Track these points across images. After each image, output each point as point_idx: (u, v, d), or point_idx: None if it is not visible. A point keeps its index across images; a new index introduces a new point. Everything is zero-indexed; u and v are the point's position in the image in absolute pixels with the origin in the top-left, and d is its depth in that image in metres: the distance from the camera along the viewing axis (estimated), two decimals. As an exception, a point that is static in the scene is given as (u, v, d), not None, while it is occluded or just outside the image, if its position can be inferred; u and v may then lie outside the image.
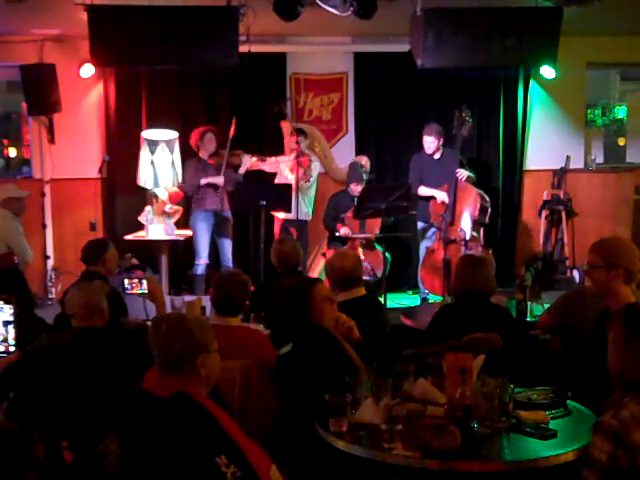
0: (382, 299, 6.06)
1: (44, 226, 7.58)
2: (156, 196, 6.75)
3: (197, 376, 2.51)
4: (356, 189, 6.93)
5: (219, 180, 6.79)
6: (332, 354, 3.27)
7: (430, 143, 6.92)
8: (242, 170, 7.08)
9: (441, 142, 6.95)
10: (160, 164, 6.66)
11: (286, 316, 3.53)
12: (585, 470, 2.18)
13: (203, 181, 6.81)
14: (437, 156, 6.98)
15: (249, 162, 7.12)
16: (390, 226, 7.00)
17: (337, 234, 7.00)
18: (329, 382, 2.95)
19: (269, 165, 7.19)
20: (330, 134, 7.76)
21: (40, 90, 7.06)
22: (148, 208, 6.78)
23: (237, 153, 7.05)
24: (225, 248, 7.03)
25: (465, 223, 6.73)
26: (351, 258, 4.21)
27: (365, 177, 7.04)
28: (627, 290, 3.28)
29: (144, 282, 4.35)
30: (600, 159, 8.60)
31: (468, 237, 6.61)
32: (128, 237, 6.88)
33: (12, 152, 9.16)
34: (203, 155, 6.92)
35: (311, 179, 7.13)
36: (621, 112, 9.74)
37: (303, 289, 3.46)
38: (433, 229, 6.93)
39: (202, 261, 6.88)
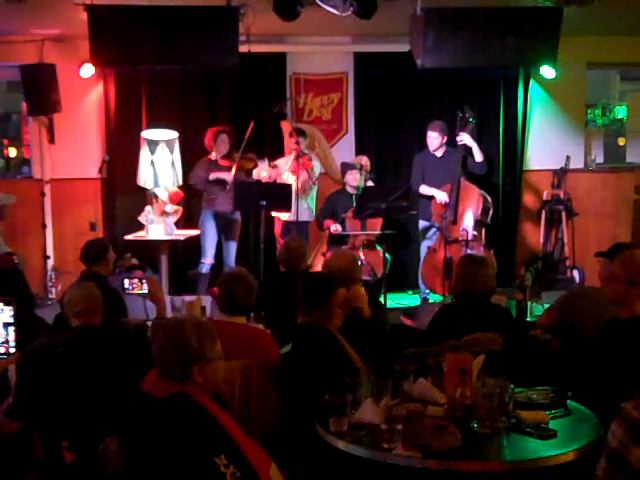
0: (382, 299, 6.06)
1: (44, 226, 7.59)
2: (156, 196, 6.75)
3: (195, 383, 2.46)
4: (351, 177, 6.92)
5: (228, 176, 6.69)
6: (332, 354, 3.27)
7: (434, 139, 6.92)
8: (255, 176, 6.97)
9: (445, 140, 6.95)
10: (160, 164, 6.66)
11: (291, 309, 3.52)
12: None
13: (212, 176, 6.73)
14: (440, 154, 6.98)
15: (263, 174, 6.96)
16: (390, 224, 6.99)
17: (327, 230, 6.95)
18: (329, 382, 2.95)
19: (279, 177, 6.98)
20: (330, 134, 7.75)
21: (40, 90, 7.06)
22: (148, 208, 6.77)
23: (250, 157, 6.90)
24: (230, 250, 7.00)
25: (467, 223, 6.74)
26: (347, 257, 4.21)
27: (365, 176, 7.03)
28: None
29: (144, 282, 4.35)
30: (600, 159, 8.59)
31: (470, 237, 6.61)
32: (128, 237, 6.88)
33: (12, 152, 9.15)
34: (215, 156, 6.86)
35: (315, 180, 7.11)
36: (621, 112, 9.75)
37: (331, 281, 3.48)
38: (434, 228, 6.93)
39: (208, 260, 6.86)
